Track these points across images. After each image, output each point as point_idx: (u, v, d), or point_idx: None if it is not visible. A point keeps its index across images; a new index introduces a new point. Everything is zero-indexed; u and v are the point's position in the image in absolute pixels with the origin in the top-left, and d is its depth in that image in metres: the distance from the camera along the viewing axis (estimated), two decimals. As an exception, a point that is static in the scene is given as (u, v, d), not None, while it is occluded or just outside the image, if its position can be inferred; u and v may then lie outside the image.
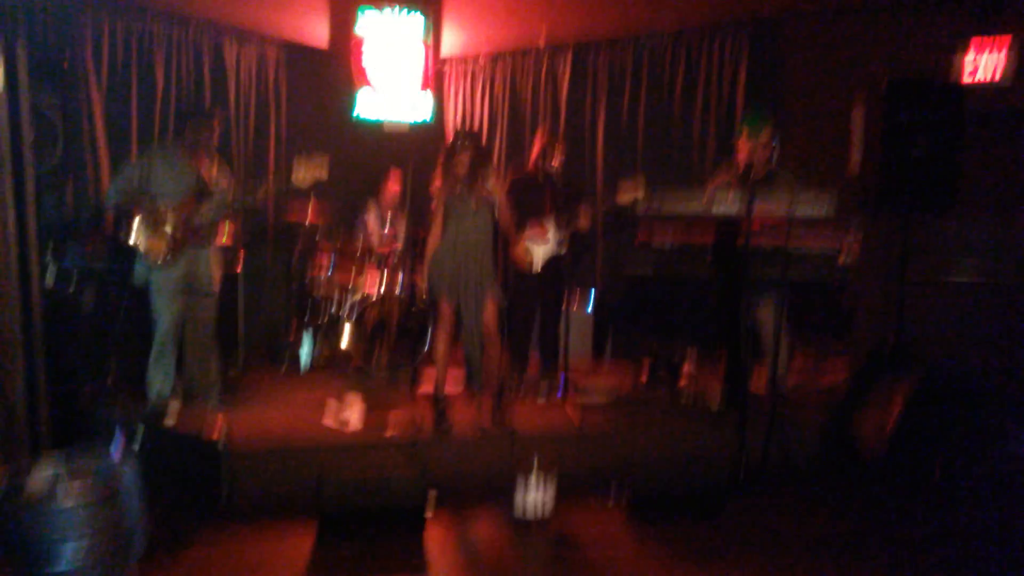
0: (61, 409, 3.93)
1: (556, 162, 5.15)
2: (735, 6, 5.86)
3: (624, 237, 6.09)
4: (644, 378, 5.24)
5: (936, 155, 4.54)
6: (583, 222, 5.06)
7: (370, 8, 6.61)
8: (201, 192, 4.50)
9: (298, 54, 6.63)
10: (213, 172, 4.66)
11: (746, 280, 4.10)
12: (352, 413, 4.48)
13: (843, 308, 5.63)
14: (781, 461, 4.17)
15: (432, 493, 3.68)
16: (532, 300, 5.35)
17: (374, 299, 5.54)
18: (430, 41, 6.86)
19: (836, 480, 4.21)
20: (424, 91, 6.87)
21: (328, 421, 4.43)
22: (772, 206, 4.21)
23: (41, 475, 2.96)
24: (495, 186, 4.38)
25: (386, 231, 6.01)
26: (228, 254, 5.26)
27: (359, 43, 6.65)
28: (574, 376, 5.01)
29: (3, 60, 3.32)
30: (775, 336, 4.39)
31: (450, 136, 6.86)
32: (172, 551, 3.33)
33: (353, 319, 5.45)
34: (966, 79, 5.17)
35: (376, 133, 6.84)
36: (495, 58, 6.81)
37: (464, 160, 4.33)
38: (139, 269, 4.41)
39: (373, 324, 5.56)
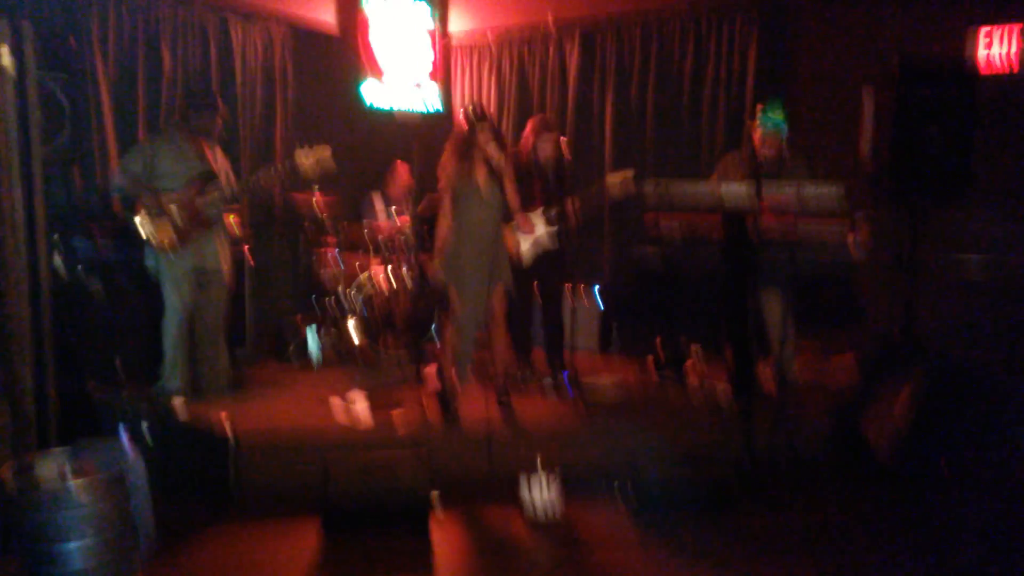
0: (69, 402, 3.93)
1: (545, 153, 5.10)
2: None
3: (627, 227, 6.08)
4: (651, 373, 5.21)
5: (948, 139, 4.49)
6: (571, 218, 4.99)
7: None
8: (206, 177, 4.48)
9: (305, 36, 6.57)
10: (218, 157, 4.65)
11: (755, 272, 4.07)
12: (360, 407, 4.46)
13: (853, 295, 5.59)
14: (789, 456, 4.15)
15: (438, 491, 3.66)
16: (527, 283, 5.30)
17: (381, 289, 5.53)
18: (437, 27, 6.82)
19: (845, 476, 4.19)
20: (432, 78, 6.83)
21: (337, 415, 4.41)
22: (781, 189, 4.17)
23: (48, 471, 2.97)
24: (504, 165, 4.27)
25: (392, 209, 5.99)
26: (235, 245, 5.24)
27: (365, 23, 6.60)
28: (581, 371, 4.98)
29: (9, 40, 3.29)
30: (782, 329, 4.36)
31: (459, 120, 6.84)
32: (179, 547, 3.34)
33: (360, 309, 5.44)
34: (980, 63, 5.10)
35: (385, 120, 6.81)
36: (503, 42, 6.74)
37: (487, 139, 4.22)
38: (149, 258, 4.41)
39: (380, 314, 5.54)
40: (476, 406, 4.39)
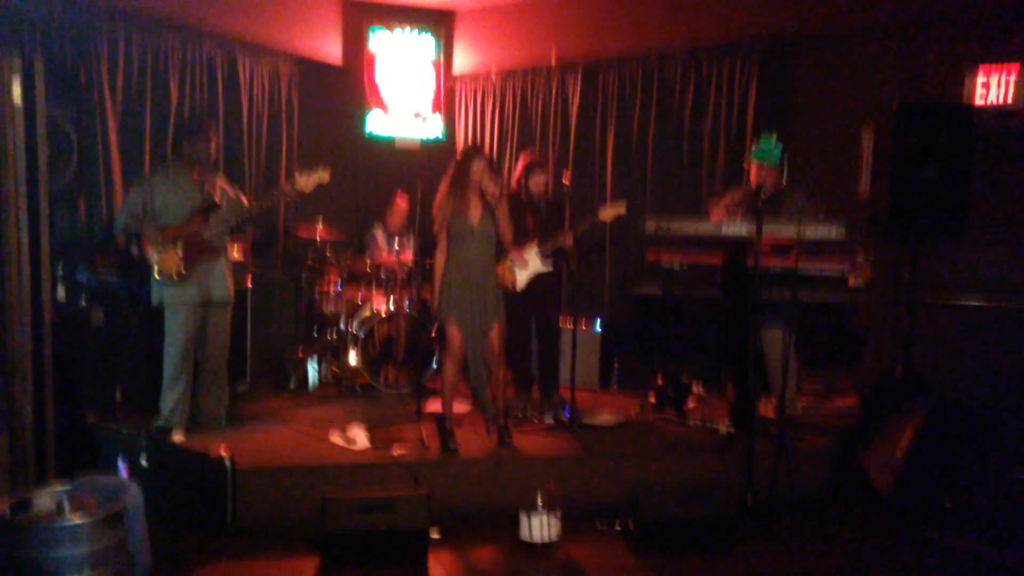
0: (68, 431, 3.93)
1: (538, 187, 5.16)
2: (745, 28, 5.88)
3: (629, 264, 6.11)
4: (651, 402, 5.21)
5: (946, 179, 4.54)
6: (568, 251, 5.05)
7: (381, 28, 6.70)
8: (207, 206, 4.51)
9: (311, 70, 6.67)
10: (216, 184, 4.68)
11: (755, 302, 4.08)
12: (358, 433, 4.48)
13: (854, 332, 5.61)
14: (790, 488, 4.13)
15: (437, 516, 3.66)
16: (523, 320, 5.33)
17: (383, 317, 5.55)
18: (441, 60, 6.93)
19: (846, 509, 4.18)
20: (435, 110, 6.94)
21: (335, 440, 4.42)
22: (782, 227, 4.20)
23: (46, 500, 2.97)
24: (498, 196, 4.26)
25: (395, 248, 6.02)
26: (237, 270, 5.27)
27: (371, 60, 6.73)
28: (581, 407, 4.97)
29: (20, 74, 3.34)
30: (784, 360, 4.37)
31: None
32: (175, 573, 3.32)
33: (361, 337, 5.45)
34: (977, 101, 5.16)
35: (387, 150, 6.90)
36: (506, 76, 6.83)
37: (481, 167, 4.25)
38: (154, 288, 4.42)
39: (381, 342, 5.56)
40: (476, 440, 4.40)
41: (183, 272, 4.39)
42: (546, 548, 3.64)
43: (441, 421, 4.43)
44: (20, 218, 3.36)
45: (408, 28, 6.80)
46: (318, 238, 5.73)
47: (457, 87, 7.07)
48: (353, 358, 5.52)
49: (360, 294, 5.87)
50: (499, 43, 6.88)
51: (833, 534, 3.90)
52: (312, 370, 5.69)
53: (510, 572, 3.51)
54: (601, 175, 6.48)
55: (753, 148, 4.89)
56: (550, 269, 5.19)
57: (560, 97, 6.62)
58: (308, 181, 4.56)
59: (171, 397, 4.44)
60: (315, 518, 3.50)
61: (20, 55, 3.46)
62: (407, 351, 5.61)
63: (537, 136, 6.71)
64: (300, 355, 5.70)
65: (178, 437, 4.29)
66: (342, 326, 5.70)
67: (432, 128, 6.96)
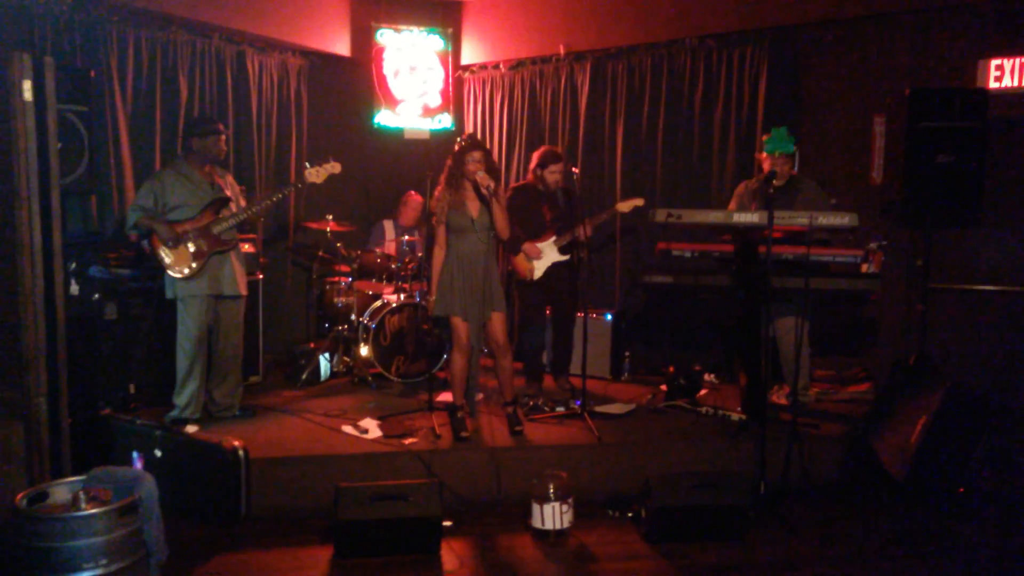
0: (83, 424, 3.97)
1: (555, 181, 5.17)
2: (755, 16, 5.83)
3: (640, 255, 6.12)
4: (663, 391, 5.20)
5: (960, 165, 4.49)
6: (583, 244, 5.10)
7: (388, 30, 6.71)
8: (218, 201, 4.54)
9: (320, 63, 6.69)
10: (228, 180, 4.71)
11: (767, 291, 4.07)
12: (371, 423, 4.50)
13: (867, 319, 5.58)
14: (803, 476, 4.13)
15: (449, 504, 3.67)
16: (540, 308, 5.40)
17: (393, 308, 5.56)
18: (449, 51, 6.92)
19: (859, 496, 4.16)
20: (444, 101, 6.94)
21: (347, 430, 4.44)
22: (794, 214, 4.18)
23: (62, 492, 3.00)
24: (492, 188, 4.22)
25: (405, 239, 6.05)
26: (249, 263, 5.30)
27: (380, 52, 6.74)
28: (592, 389, 4.98)
29: (31, 71, 3.36)
30: (796, 348, 4.35)
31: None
32: (190, 571, 3.34)
33: (372, 328, 5.47)
34: (992, 85, 5.10)
35: (396, 141, 6.90)
36: (514, 68, 6.82)
37: (476, 158, 4.26)
38: (167, 281, 4.46)
39: (392, 333, 5.58)
40: (487, 430, 4.41)
41: (194, 267, 4.42)
42: (558, 536, 3.65)
43: (452, 410, 4.44)
44: (32, 214, 3.38)
45: (416, 29, 6.79)
46: (328, 230, 5.75)
47: (466, 77, 7.06)
48: (364, 349, 5.54)
49: (371, 289, 5.89)
50: (507, 34, 6.86)
51: (846, 521, 3.89)
52: (324, 362, 5.72)
53: (523, 560, 3.52)
54: (611, 165, 6.45)
55: (766, 138, 4.89)
56: (566, 258, 5.27)
57: (569, 87, 6.59)
58: (318, 173, 4.61)
59: (185, 390, 4.49)
60: (328, 507, 3.52)
61: (30, 52, 3.49)
62: (418, 342, 5.62)
63: (546, 126, 6.69)
64: (312, 347, 5.72)
65: (192, 429, 4.33)
66: (353, 318, 5.72)
67: (441, 119, 6.97)
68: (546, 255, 5.27)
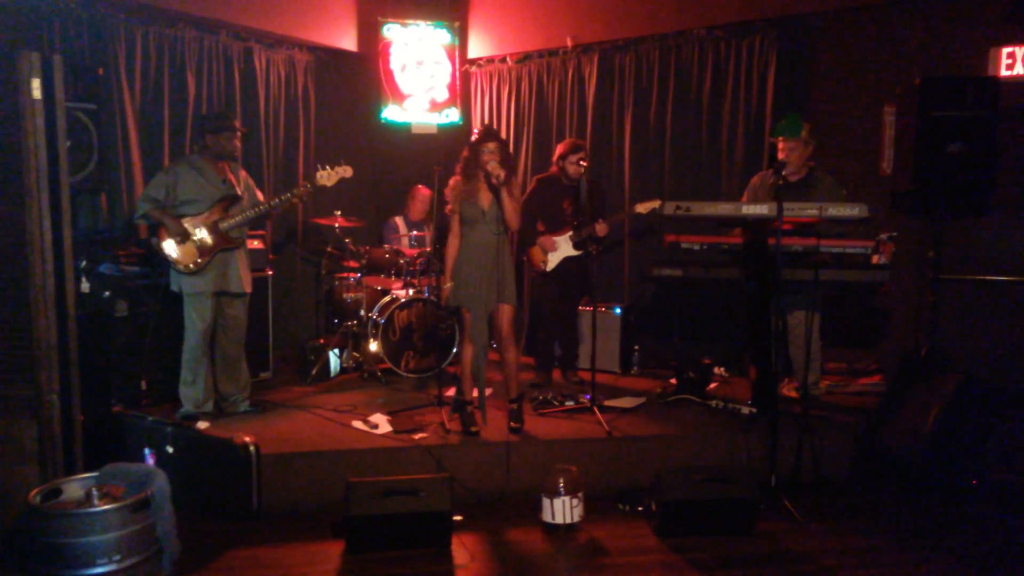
0: (95, 420, 3.99)
1: (576, 172, 5.17)
2: (763, 6, 5.79)
3: (649, 248, 6.11)
4: (673, 384, 5.19)
5: (971, 154, 4.46)
6: (599, 232, 5.12)
7: (395, 24, 6.70)
8: (229, 200, 4.55)
9: (327, 58, 6.70)
10: (240, 176, 4.73)
11: (777, 282, 4.05)
12: (380, 418, 4.51)
13: (878, 310, 5.56)
14: (814, 468, 4.11)
15: (460, 499, 3.67)
16: (551, 300, 5.43)
17: (402, 303, 5.57)
18: (456, 45, 6.91)
19: (870, 487, 4.15)
20: (451, 95, 6.93)
21: (357, 425, 4.45)
22: (804, 206, 4.15)
23: (75, 489, 3.03)
24: (502, 178, 4.19)
25: (413, 234, 6.06)
26: (257, 259, 5.32)
27: (386, 47, 6.73)
28: (601, 382, 4.98)
29: (40, 70, 3.37)
30: (807, 347, 4.33)
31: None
32: (202, 566, 3.36)
33: (381, 324, 5.48)
34: (1003, 72, 5.05)
35: (404, 135, 6.91)
36: (521, 61, 6.80)
37: (491, 149, 4.24)
38: (172, 275, 4.48)
39: (401, 329, 5.58)
40: (497, 424, 4.41)
41: (199, 262, 4.44)
42: (568, 530, 3.66)
43: (462, 404, 4.45)
44: (42, 212, 3.40)
45: (422, 23, 6.78)
46: (337, 226, 5.76)
47: (473, 71, 7.05)
48: (374, 345, 5.55)
49: (380, 284, 5.90)
50: (514, 27, 6.84)
51: (858, 513, 3.88)
52: (333, 357, 5.73)
53: (533, 554, 3.52)
54: (619, 158, 6.43)
55: (779, 124, 4.86)
56: (579, 253, 5.32)
57: (576, 80, 6.57)
58: (329, 176, 4.62)
59: (193, 386, 4.51)
60: (339, 503, 3.53)
61: (39, 50, 3.50)
62: (427, 337, 5.63)
63: (554, 119, 6.67)
64: (321, 343, 5.74)
65: (203, 425, 4.34)
66: (362, 313, 5.73)
67: (448, 113, 6.96)
68: (561, 249, 5.30)
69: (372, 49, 6.77)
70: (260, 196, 4.82)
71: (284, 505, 3.88)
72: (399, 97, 6.83)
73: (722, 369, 5.70)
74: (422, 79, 6.87)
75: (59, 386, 3.44)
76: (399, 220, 6.44)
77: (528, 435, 4.31)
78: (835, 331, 5.31)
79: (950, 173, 4.48)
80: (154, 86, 5.61)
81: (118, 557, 2.82)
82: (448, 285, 4.39)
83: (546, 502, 3.67)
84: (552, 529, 3.66)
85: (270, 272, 5.62)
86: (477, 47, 7.00)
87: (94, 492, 2.90)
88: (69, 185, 3.57)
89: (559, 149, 5.38)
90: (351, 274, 5.87)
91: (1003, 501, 3.96)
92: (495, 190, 4.22)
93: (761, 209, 4.19)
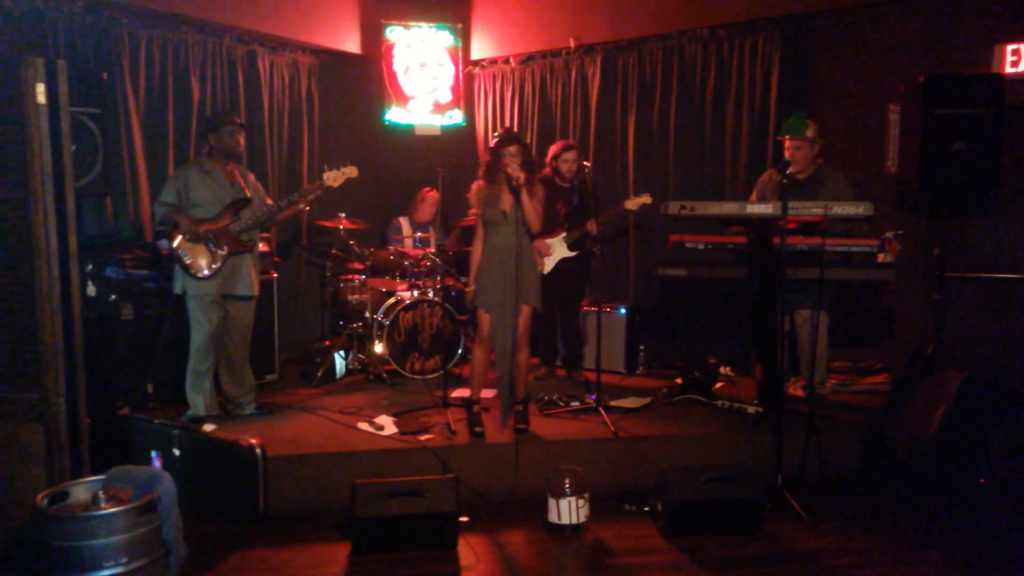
0: (101, 423, 4.00)
1: (570, 171, 5.20)
2: (766, 5, 5.78)
3: (653, 249, 6.11)
4: (679, 384, 5.18)
5: (976, 152, 4.45)
6: (592, 231, 5.13)
7: (398, 27, 6.72)
8: (239, 202, 4.55)
9: (330, 61, 6.71)
10: (249, 178, 4.74)
11: (782, 281, 4.04)
12: (386, 420, 4.52)
13: (884, 309, 5.54)
14: (820, 467, 4.10)
15: (466, 500, 3.67)
16: (549, 301, 5.39)
17: (408, 305, 5.57)
18: (459, 46, 6.92)
19: (877, 487, 4.14)
20: (454, 96, 6.94)
21: (363, 427, 4.46)
22: (809, 204, 4.14)
23: (82, 492, 3.03)
24: (521, 180, 4.18)
25: (417, 235, 6.07)
26: (264, 261, 5.32)
27: (389, 49, 6.75)
28: (607, 383, 4.97)
29: (44, 75, 3.38)
30: (813, 346, 4.32)
31: (481, 140, 6.91)
32: (209, 568, 3.36)
33: (387, 325, 5.49)
34: (1008, 70, 5.04)
35: (407, 137, 6.92)
36: (524, 62, 6.81)
37: (512, 152, 4.25)
38: (177, 277, 4.48)
39: (407, 330, 5.59)
40: (503, 426, 4.41)
41: (214, 267, 4.44)
42: (575, 531, 3.65)
43: (469, 405, 4.44)
44: (48, 216, 3.41)
45: (425, 25, 6.79)
46: (342, 228, 5.77)
47: (476, 73, 7.05)
48: (379, 346, 5.56)
49: (385, 286, 5.90)
50: (517, 28, 6.84)
51: (864, 512, 3.87)
52: (339, 359, 5.74)
53: (539, 555, 3.52)
54: (623, 158, 6.43)
55: (784, 122, 4.85)
56: (574, 254, 5.32)
57: (580, 80, 6.57)
58: (335, 178, 4.63)
59: (198, 386, 4.51)
60: (345, 504, 3.53)
61: (43, 56, 3.51)
62: (433, 338, 5.64)
63: (557, 120, 6.68)
64: (327, 345, 5.74)
65: (209, 427, 4.35)
66: (367, 315, 5.73)
67: (452, 115, 6.97)
68: (556, 251, 5.31)
69: (375, 51, 6.78)
70: (268, 201, 4.83)
71: (290, 507, 3.89)
72: (402, 99, 6.84)
73: (728, 369, 5.69)
74: (425, 81, 6.88)
75: (65, 389, 3.44)
76: (403, 220, 6.45)
77: (534, 436, 4.31)
78: (841, 330, 5.30)
79: (955, 171, 4.46)
80: (158, 90, 5.62)
81: (125, 560, 2.82)
82: (471, 288, 4.40)
83: (552, 503, 3.66)
84: (558, 530, 3.66)
85: (275, 275, 5.63)
86: (480, 48, 7.01)
87: (101, 495, 2.91)
88: (74, 189, 3.57)
89: (552, 149, 5.40)
90: (356, 276, 5.87)
91: (1010, 499, 3.94)
92: (515, 192, 4.22)
93: (765, 208, 4.19)
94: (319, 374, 5.57)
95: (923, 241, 5.09)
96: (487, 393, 4.83)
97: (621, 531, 3.70)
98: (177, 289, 4.51)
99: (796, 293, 4.60)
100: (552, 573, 3.43)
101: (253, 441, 3.74)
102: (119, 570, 2.81)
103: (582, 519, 3.66)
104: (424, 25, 6.80)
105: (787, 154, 4.72)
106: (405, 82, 6.83)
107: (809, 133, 4.75)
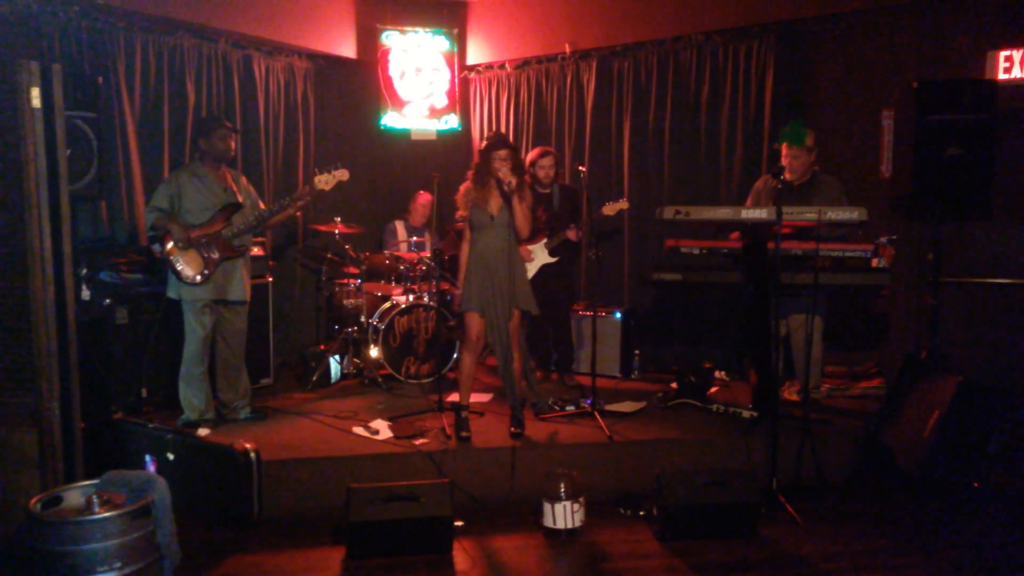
0: (95, 428, 3.99)
1: (542, 169, 5.30)
2: (760, 11, 5.81)
3: (648, 253, 6.11)
4: (674, 388, 5.19)
5: (970, 157, 4.47)
6: (572, 237, 5.20)
7: (394, 32, 6.73)
8: (231, 208, 4.55)
9: (326, 65, 6.71)
10: (242, 182, 4.73)
11: (776, 286, 4.05)
12: (381, 424, 4.51)
13: (878, 314, 5.56)
14: (815, 472, 4.11)
15: (461, 504, 3.66)
16: (540, 306, 5.41)
17: (403, 309, 5.57)
18: (455, 52, 6.94)
19: (872, 491, 4.15)
20: (450, 101, 6.95)
21: (358, 431, 4.45)
22: (803, 209, 4.16)
23: (76, 496, 3.02)
24: (513, 184, 4.20)
25: (412, 240, 6.07)
26: (258, 266, 5.32)
27: (385, 54, 6.76)
28: (602, 387, 4.97)
29: (39, 79, 3.38)
30: (807, 351, 4.33)
31: (476, 144, 6.92)
32: (203, 565, 3.36)
33: (382, 330, 5.48)
34: (1001, 76, 5.07)
35: (403, 141, 6.93)
36: (520, 67, 6.82)
37: (502, 156, 4.24)
38: (171, 282, 4.48)
39: (402, 334, 5.58)
40: (498, 429, 4.41)
41: (205, 274, 4.43)
42: (570, 535, 3.65)
43: (458, 409, 4.44)
44: (42, 220, 3.40)
45: (421, 30, 6.81)
46: (337, 232, 5.77)
47: (472, 78, 7.07)
48: (374, 351, 5.56)
49: (380, 291, 5.90)
50: (513, 33, 6.86)
51: (859, 517, 3.88)
52: (334, 364, 5.73)
53: (535, 559, 3.52)
54: (618, 163, 6.44)
55: (783, 130, 4.87)
56: (555, 260, 5.39)
57: (575, 86, 6.59)
58: (327, 181, 4.63)
59: (192, 391, 4.50)
60: (340, 509, 3.53)
61: (38, 59, 3.51)
62: (428, 343, 5.63)
63: (553, 125, 6.69)
64: (322, 349, 5.74)
65: (204, 432, 4.34)
66: (362, 319, 5.73)
67: (447, 119, 6.98)
68: (537, 258, 5.34)
69: (371, 56, 6.79)
70: (261, 205, 4.82)
71: (285, 511, 3.88)
72: (398, 104, 6.85)
73: (723, 373, 5.69)
74: (421, 86, 6.89)
75: (60, 393, 3.43)
76: (399, 224, 6.45)
77: (529, 440, 4.31)
78: (835, 335, 5.32)
79: (949, 176, 4.48)
80: (154, 94, 5.62)
81: (119, 565, 2.81)
82: (459, 292, 4.40)
83: (547, 507, 3.66)
84: (554, 534, 3.65)
85: (270, 279, 5.62)
86: (476, 53, 7.02)
87: (95, 500, 2.90)
88: (69, 193, 3.57)
89: (529, 156, 5.42)
90: (351, 280, 5.87)
91: (1005, 503, 3.95)
92: (507, 197, 4.22)
93: (760, 213, 4.20)
94: (314, 378, 5.57)
95: (917, 246, 5.11)
96: (481, 397, 4.83)
97: (617, 535, 3.70)
98: (171, 293, 4.50)
99: (791, 298, 4.62)
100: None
101: (247, 445, 3.73)
102: (112, 575, 2.80)
103: (578, 523, 3.66)
104: (420, 30, 6.82)
105: (784, 161, 4.73)
106: (401, 87, 6.84)
107: (808, 142, 4.76)
